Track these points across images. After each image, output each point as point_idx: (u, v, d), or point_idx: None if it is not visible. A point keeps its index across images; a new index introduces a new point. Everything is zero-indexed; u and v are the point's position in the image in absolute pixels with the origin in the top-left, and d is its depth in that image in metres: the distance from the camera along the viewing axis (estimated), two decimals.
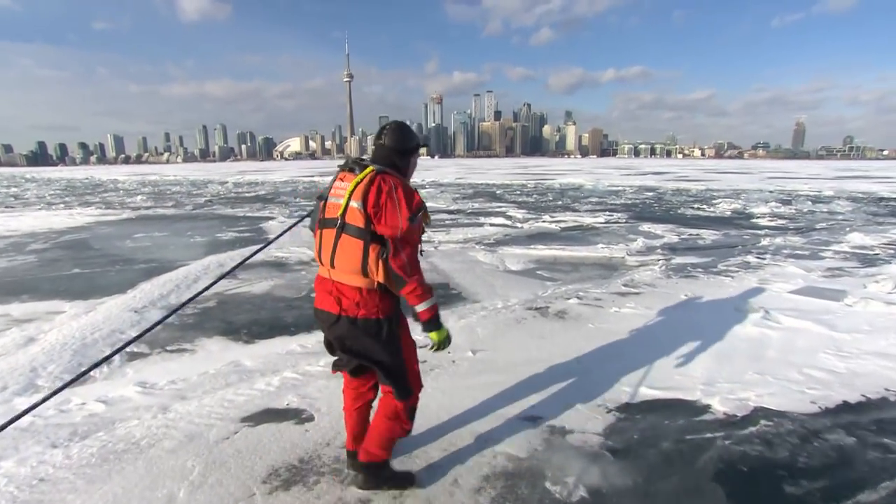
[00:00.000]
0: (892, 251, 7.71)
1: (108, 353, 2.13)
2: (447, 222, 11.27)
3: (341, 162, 2.18)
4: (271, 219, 12.50)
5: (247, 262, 2.60)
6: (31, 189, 28.80)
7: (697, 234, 9.47)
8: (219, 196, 20.63)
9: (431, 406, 2.91)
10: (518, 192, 20.34)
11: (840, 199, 17.02)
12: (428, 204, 2.07)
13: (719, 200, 16.29)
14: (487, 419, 2.83)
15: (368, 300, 1.98)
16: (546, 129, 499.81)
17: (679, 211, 13.68)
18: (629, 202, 16.19)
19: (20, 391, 3.23)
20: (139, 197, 20.68)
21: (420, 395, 2.23)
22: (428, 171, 43.10)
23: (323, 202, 2.09)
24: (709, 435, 2.69)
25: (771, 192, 20.23)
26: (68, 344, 4.00)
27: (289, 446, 2.59)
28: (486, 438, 2.64)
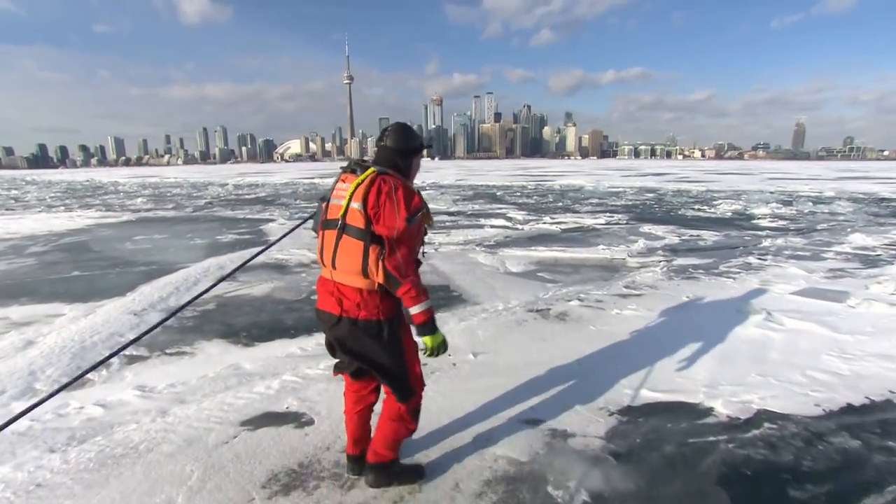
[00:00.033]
0: (893, 252, 7.69)
1: (106, 355, 2.11)
2: (447, 224, 11.26)
3: (342, 164, 2.17)
4: (271, 221, 12.49)
5: (247, 264, 2.59)
6: (32, 191, 28.82)
7: (698, 236, 9.45)
8: (219, 198, 20.62)
9: (432, 409, 2.89)
10: (518, 194, 20.33)
11: (841, 199, 17.00)
12: (428, 205, 2.06)
13: (720, 201, 16.28)
14: (488, 422, 2.81)
15: (369, 301, 1.97)
16: (546, 131, 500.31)
17: (680, 212, 13.66)
18: (630, 203, 16.18)
19: (18, 395, 3.21)
20: (139, 199, 20.69)
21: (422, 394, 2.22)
22: (428, 173, 43.12)
23: (325, 203, 2.08)
24: (712, 438, 2.67)
25: (771, 192, 20.21)
26: (67, 347, 3.98)
27: (288, 450, 2.57)
28: (487, 442, 2.62)
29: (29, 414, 1.62)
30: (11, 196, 24.89)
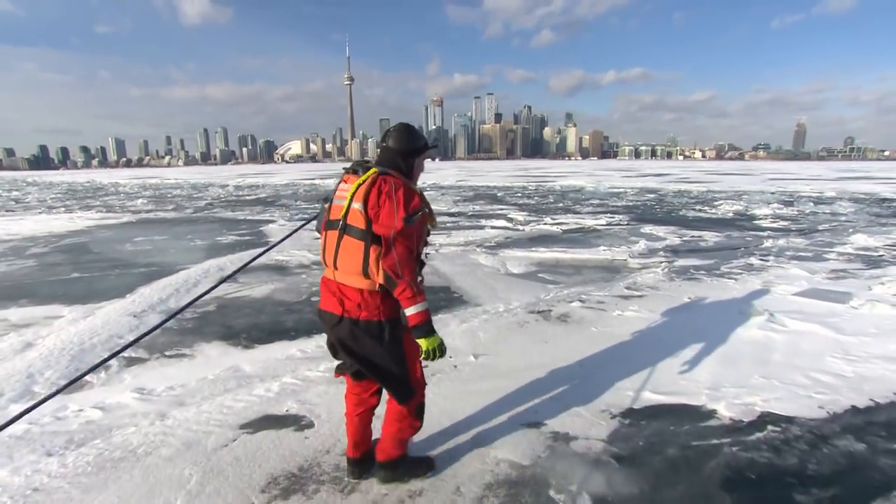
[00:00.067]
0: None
1: (104, 357, 2.10)
2: (448, 225, 11.24)
3: (343, 165, 2.17)
4: (272, 222, 12.48)
5: (247, 266, 2.57)
6: (33, 193, 28.83)
7: (699, 236, 9.43)
8: (219, 199, 20.62)
9: (433, 411, 2.86)
10: (519, 195, 20.32)
11: (842, 200, 16.96)
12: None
13: (721, 202, 16.25)
14: (490, 425, 2.79)
15: (370, 302, 1.97)
16: (547, 132, 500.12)
17: (681, 213, 13.64)
18: (630, 204, 16.15)
19: (16, 398, 3.19)
20: (140, 200, 20.69)
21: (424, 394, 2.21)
22: (429, 174, 43.11)
23: (328, 204, 2.08)
24: (715, 441, 2.64)
25: (772, 193, 20.18)
26: (66, 349, 3.96)
27: (288, 454, 2.55)
28: (488, 445, 2.60)
29: (26, 416, 1.60)
30: (12, 197, 24.91)
